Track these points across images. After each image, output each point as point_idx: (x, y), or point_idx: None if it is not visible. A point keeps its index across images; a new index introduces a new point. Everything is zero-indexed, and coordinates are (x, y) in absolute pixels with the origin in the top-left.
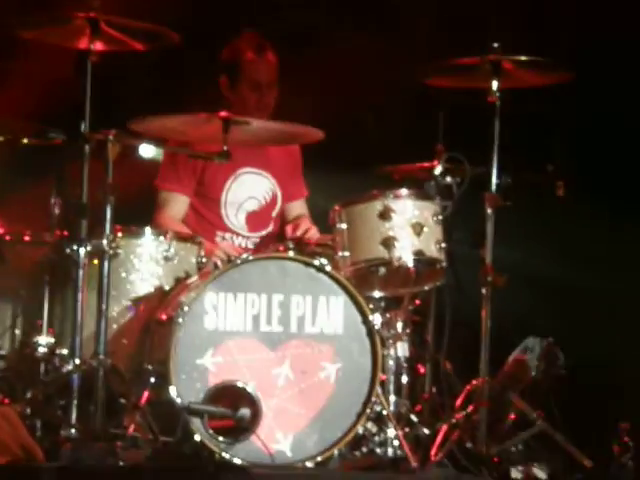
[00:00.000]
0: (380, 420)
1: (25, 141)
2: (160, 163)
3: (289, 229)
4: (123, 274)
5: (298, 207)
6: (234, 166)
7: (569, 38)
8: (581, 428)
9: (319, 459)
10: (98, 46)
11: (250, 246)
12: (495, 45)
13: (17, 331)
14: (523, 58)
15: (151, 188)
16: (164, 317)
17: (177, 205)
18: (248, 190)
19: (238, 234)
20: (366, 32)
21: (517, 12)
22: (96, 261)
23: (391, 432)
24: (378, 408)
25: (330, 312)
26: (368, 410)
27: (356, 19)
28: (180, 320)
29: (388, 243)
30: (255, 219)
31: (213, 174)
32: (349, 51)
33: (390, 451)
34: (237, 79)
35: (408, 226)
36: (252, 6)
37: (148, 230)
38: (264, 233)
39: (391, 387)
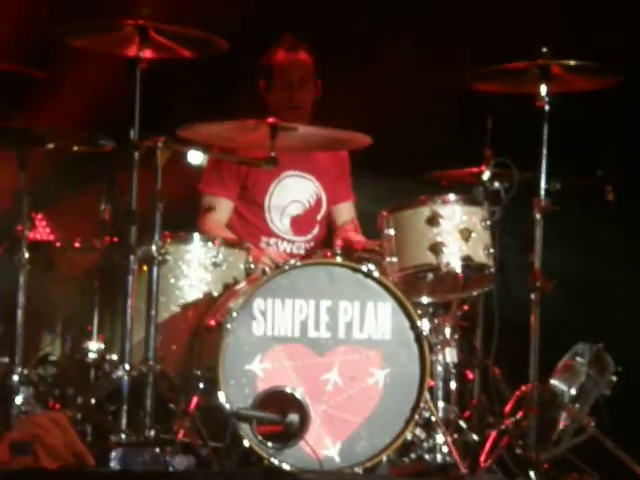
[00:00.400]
0: (429, 426)
1: (75, 148)
2: (204, 168)
3: (338, 243)
4: (172, 280)
5: (345, 211)
6: (278, 170)
7: (617, 42)
8: (632, 435)
9: (367, 465)
10: (147, 53)
11: (295, 251)
12: (544, 50)
13: (68, 337)
14: (572, 63)
15: (197, 194)
16: (213, 323)
17: (222, 210)
18: (292, 194)
19: (283, 239)
20: (413, 37)
21: (565, 16)
22: (145, 267)
23: (440, 438)
24: (427, 414)
25: (378, 318)
26: (416, 416)
27: (403, 24)
28: (229, 326)
29: (436, 249)
30: (300, 223)
31: (257, 178)
32: (396, 56)
33: (439, 457)
34: (272, 80)
35: (456, 232)
36: (300, 13)
37: (196, 236)
38: (309, 237)
39: (439, 393)
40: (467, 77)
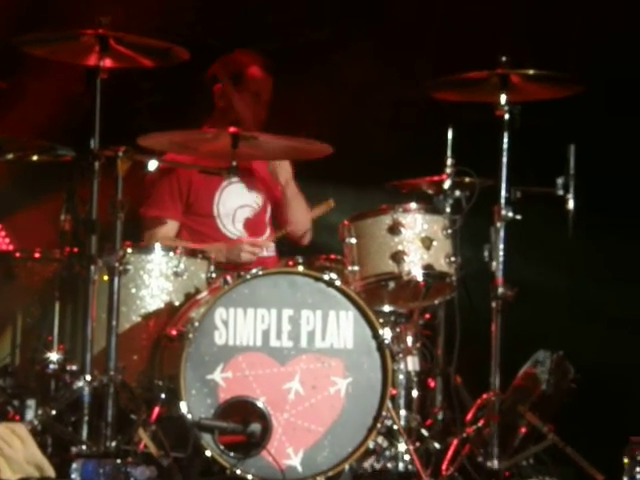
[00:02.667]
0: (391, 435)
1: (35, 158)
2: (144, 191)
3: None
4: (133, 290)
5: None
6: (219, 179)
7: (578, 51)
8: (592, 442)
9: (330, 474)
10: (107, 63)
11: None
12: (503, 59)
13: (27, 348)
14: (531, 72)
15: (139, 217)
16: (174, 333)
17: (165, 228)
18: (238, 199)
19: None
20: (374, 46)
21: (524, 26)
22: (106, 277)
23: (402, 446)
24: (389, 422)
25: (340, 327)
26: (379, 425)
27: (363, 34)
28: (190, 335)
29: (397, 257)
30: (252, 225)
31: (199, 191)
32: (358, 66)
33: (401, 466)
34: (237, 89)
35: (417, 240)
36: (261, 23)
37: (158, 246)
38: (264, 238)
39: (402, 401)
40: (427, 87)
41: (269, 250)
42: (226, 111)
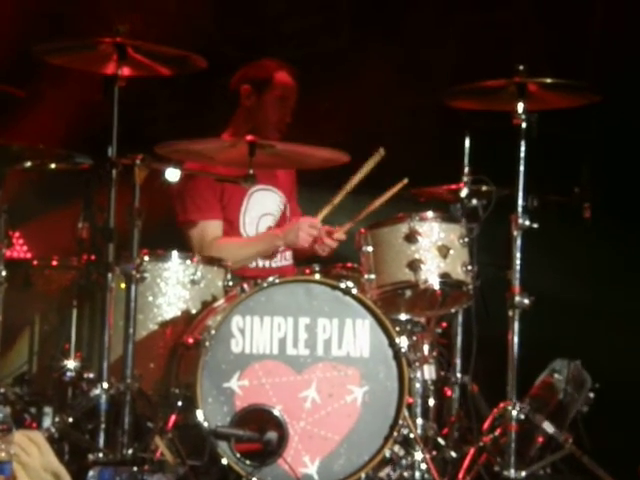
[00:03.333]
0: (407, 443)
1: (53, 166)
2: (178, 198)
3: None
4: (150, 298)
5: None
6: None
7: (596, 60)
8: (609, 451)
9: None
10: (125, 71)
11: (274, 265)
12: (520, 67)
13: (44, 355)
14: (548, 80)
15: (182, 227)
16: (191, 341)
17: (213, 228)
18: (262, 207)
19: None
20: (390, 54)
21: (541, 34)
22: (123, 285)
23: (418, 455)
24: (405, 431)
25: (356, 335)
26: (395, 433)
27: (380, 41)
28: (207, 344)
29: (414, 266)
30: None
31: (230, 195)
32: (375, 74)
33: (417, 474)
34: (264, 91)
35: (434, 249)
36: (278, 31)
37: (175, 254)
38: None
39: (418, 410)
40: (444, 95)
41: (286, 259)
42: (252, 111)
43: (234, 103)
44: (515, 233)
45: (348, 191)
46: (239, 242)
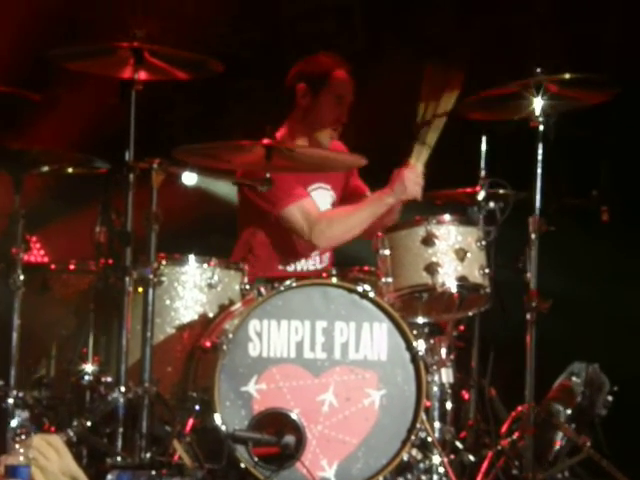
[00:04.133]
0: (425, 447)
1: (70, 170)
2: (263, 197)
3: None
4: (167, 302)
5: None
6: (306, 181)
7: (614, 61)
8: (628, 454)
9: None
10: (142, 75)
11: (319, 266)
12: (538, 70)
13: (62, 359)
14: (567, 76)
15: (281, 213)
16: (208, 344)
17: (314, 206)
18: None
19: (308, 257)
20: (408, 57)
21: (560, 38)
22: (140, 289)
23: (436, 459)
24: (423, 435)
25: (374, 338)
26: (413, 437)
27: (396, 45)
28: (224, 347)
29: (431, 269)
30: None
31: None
32: (390, 77)
33: (435, 478)
34: (321, 90)
35: (451, 252)
36: (293, 35)
37: (192, 258)
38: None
39: (436, 414)
40: (460, 109)
41: (323, 261)
42: (309, 110)
43: (290, 101)
44: (533, 236)
45: (439, 131)
46: (347, 210)
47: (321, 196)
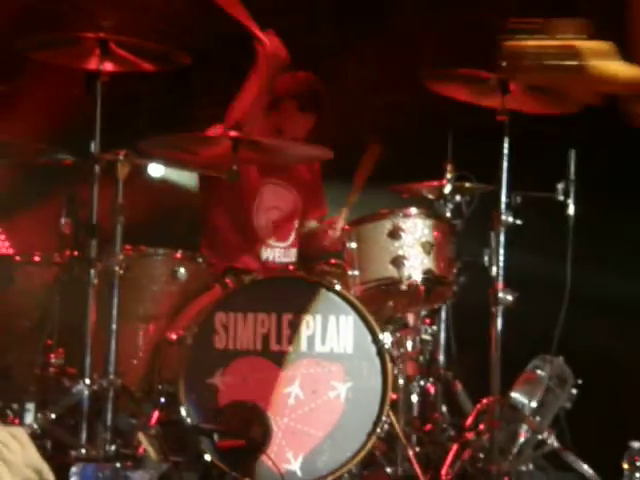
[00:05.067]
0: (391, 439)
1: (35, 162)
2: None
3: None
4: (133, 293)
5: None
6: (262, 177)
7: None
8: (592, 447)
9: (330, 479)
10: (108, 67)
11: (277, 259)
12: (503, 64)
13: (27, 351)
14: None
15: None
16: (174, 337)
17: None
18: (270, 200)
19: (267, 245)
20: (373, 51)
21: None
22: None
23: (401, 451)
24: (388, 427)
25: (340, 331)
26: (378, 429)
27: (362, 38)
28: (190, 340)
29: (398, 262)
30: (278, 228)
31: (248, 186)
32: (357, 70)
33: (400, 470)
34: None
35: (418, 245)
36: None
37: (158, 250)
38: (288, 243)
39: (401, 406)
40: (425, 76)
41: (290, 256)
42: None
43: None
44: (498, 229)
45: (360, 190)
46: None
47: (274, 192)
